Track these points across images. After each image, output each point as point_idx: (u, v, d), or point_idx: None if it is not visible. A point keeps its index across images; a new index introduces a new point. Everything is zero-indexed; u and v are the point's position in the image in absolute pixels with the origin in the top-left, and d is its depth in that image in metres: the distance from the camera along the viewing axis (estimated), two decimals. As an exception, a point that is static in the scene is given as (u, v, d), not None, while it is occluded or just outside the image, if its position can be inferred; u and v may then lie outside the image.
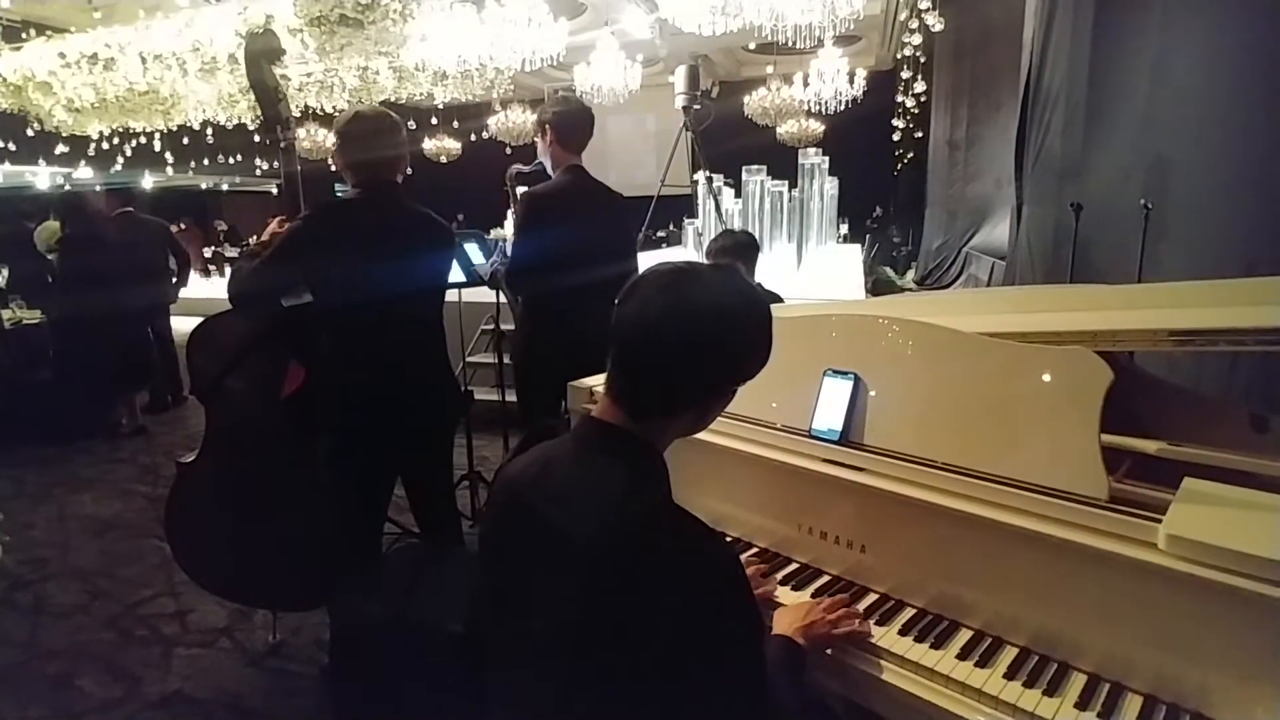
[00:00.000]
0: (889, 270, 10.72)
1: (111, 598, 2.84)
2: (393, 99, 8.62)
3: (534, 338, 2.54)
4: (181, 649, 2.50)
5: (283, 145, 2.09)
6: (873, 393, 1.38)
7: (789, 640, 1.10)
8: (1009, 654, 1.12)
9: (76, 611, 2.75)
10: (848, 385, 1.40)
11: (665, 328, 0.89)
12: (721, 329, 0.91)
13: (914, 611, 1.24)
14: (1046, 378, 1.21)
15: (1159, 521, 1.02)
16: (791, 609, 1.21)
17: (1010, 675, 1.07)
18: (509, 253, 2.85)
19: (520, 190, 2.60)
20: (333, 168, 2.12)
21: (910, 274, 10.82)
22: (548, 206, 2.45)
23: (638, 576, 0.83)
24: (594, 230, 2.43)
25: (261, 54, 2.12)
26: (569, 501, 0.91)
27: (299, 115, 8.76)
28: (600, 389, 1.01)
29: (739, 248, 2.88)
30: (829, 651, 1.17)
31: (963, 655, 1.13)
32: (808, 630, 1.13)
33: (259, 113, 2.18)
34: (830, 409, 1.40)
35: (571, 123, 2.50)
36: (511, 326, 3.15)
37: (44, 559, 3.18)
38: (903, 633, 1.19)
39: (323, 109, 8.69)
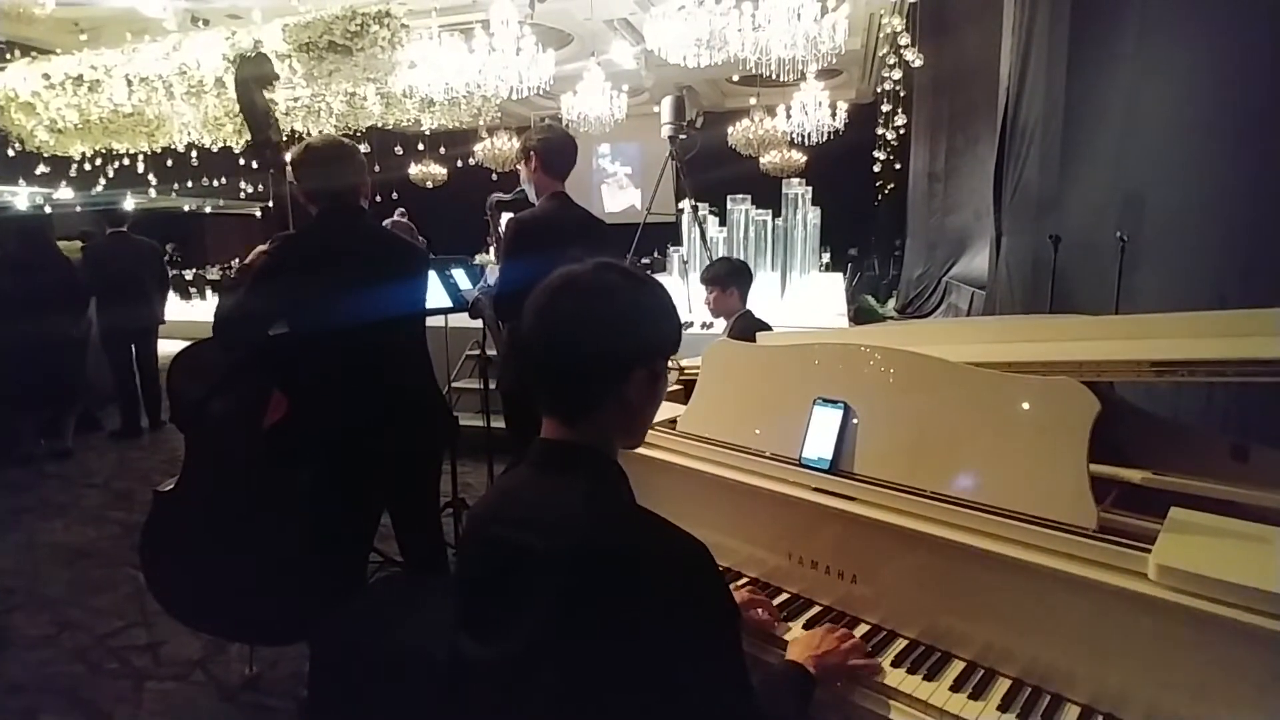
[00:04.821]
0: (871, 299, 10.84)
1: (81, 629, 2.75)
2: (380, 124, 8.67)
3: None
4: (153, 683, 2.42)
5: (272, 170, 2.09)
6: (863, 422, 1.38)
7: (800, 666, 1.09)
8: (1002, 686, 1.12)
9: (44, 643, 2.66)
10: (837, 414, 1.40)
11: (563, 324, 0.93)
12: (612, 308, 0.94)
13: (906, 642, 1.24)
14: (1035, 408, 1.22)
15: (1148, 551, 1.03)
16: (805, 637, 1.20)
17: (1004, 708, 1.07)
18: (488, 280, 2.86)
19: (505, 217, 2.61)
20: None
21: (891, 303, 10.95)
22: (534, 232, 2.45)
23: (616, 582, 0.85)
24: (579, 256, 2.46)
25: (253, 78, 2.13)
26: (536, 523, 0.91)
27: (285, 139, 8.80)
28: None
29: (734, 273, 3.06)
30: (838, 684, 1.15)
31: (956, 687, 1.12)
32: (821, 659, 1.11)
33: (249, 136, 2.18)
34: (820, 438, 1.41)
35: (556, 151, 2.54)
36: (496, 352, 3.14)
37: (11, 588, 3.08)
38: (895, 664, 1.18)
39: (309, 133, 8.72)
